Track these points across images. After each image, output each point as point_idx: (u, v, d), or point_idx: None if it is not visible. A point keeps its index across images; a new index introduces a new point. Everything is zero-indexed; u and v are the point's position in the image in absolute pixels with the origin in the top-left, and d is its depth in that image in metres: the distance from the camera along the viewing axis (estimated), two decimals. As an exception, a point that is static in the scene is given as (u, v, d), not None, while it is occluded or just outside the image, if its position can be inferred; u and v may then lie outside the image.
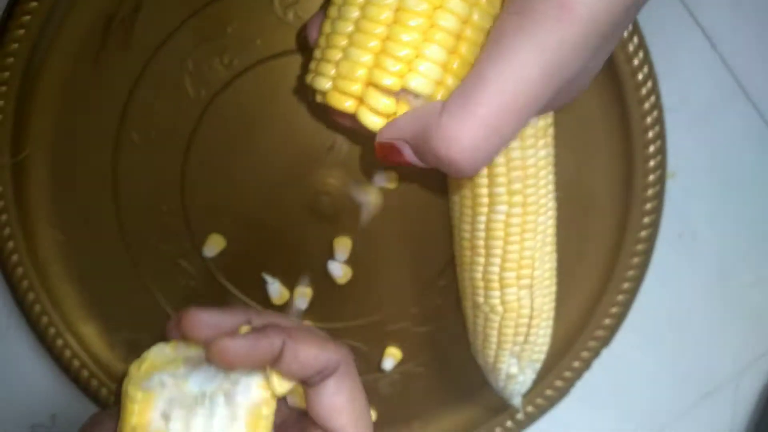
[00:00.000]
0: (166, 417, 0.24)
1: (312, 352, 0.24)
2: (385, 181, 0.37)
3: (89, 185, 0.37)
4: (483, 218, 0.32)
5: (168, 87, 0.35)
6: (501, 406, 0.40)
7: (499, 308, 0.34)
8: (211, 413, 0.24)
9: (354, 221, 0.38)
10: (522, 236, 0.32)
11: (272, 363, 0.24)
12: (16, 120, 0.36)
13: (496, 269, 0.33)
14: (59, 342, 0.39)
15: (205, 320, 0.24)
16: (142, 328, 0.39)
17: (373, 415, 0.40)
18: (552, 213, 0.34)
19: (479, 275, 0.34)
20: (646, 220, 0.37)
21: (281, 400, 0.26)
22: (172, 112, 0.35)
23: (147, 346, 0.40)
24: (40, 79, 0.35)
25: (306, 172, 0.37)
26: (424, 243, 0.38)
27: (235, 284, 0.39)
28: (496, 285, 0.33)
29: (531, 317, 0.34)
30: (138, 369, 0.25)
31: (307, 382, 0.25)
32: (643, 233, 0.37)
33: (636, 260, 0.38)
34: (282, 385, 0.25)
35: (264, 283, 0.38)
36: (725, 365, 0.42)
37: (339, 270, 0.38)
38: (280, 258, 0.38)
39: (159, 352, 0.26)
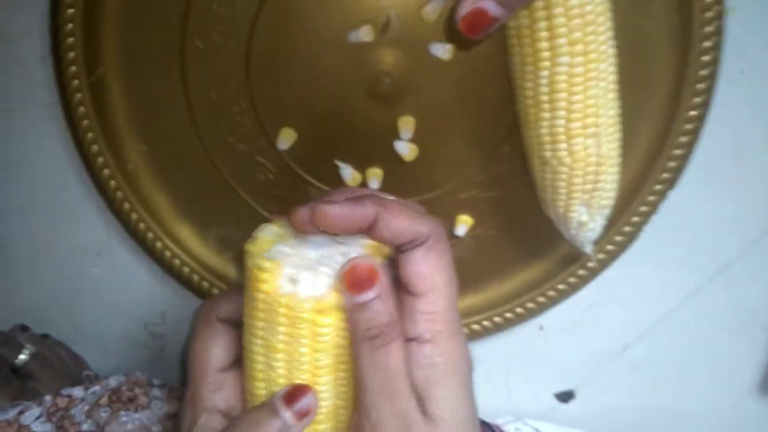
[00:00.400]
0: (293, 280, 0.27)
1: (404, 222, 0.27)
2: (441, 52, 0.38)
3: (163, 95, 0.39)
4: (545, 72, 0.33)
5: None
6: (572, 256, 0.42)
7: (567, 159, 0.35)
8: (331, 272, 0.27)
9: (415, 98, 0.39)
10: (585, 85, 0.33)
11: (367, 229, 0.27)
12: (87, 40, 0.37)
13: (561, 122, 0.34)
14: (159, 245, 0.42)
15: (336, 213, 0.26)
16: (230, 222, 0.42)
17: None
18: (613, 60, 0.34)
19: (545, 130, 0.35)
20: (706, 57, 0.37)
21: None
22: (229, 12, 0.36)
23: (237, 238, 0.43)
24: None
25: (363, 55, 0.38)
26: (486, 111, 0.39)
27: (310, 173, 0.41)
28: (562, 137, 0.34)
29: (598, 165, 0.35)
30: (254, 245, 0.28)
31: (400, 249, 0.27)
32: (704, 71, 0.37)
33: (698, 100, 0.38)
34: (383, 249, 0.28)
35: (337, 168, 0.40)
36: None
37: (405, 148, 0.40)
38: (349, 143, 0.40)
39: (268, 231, 0.29)
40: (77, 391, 0.40)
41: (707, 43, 0.37)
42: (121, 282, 0.45)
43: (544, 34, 0.32)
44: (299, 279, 0.27)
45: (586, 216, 0.37)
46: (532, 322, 0.45)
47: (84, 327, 0.46)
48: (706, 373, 0.45)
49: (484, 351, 0.45)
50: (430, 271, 0.27)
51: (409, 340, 0.27)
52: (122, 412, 0.37)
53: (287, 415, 0.27)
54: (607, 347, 0.46)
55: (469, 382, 0.28)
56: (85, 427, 0.38)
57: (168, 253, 0.42)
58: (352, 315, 0.26)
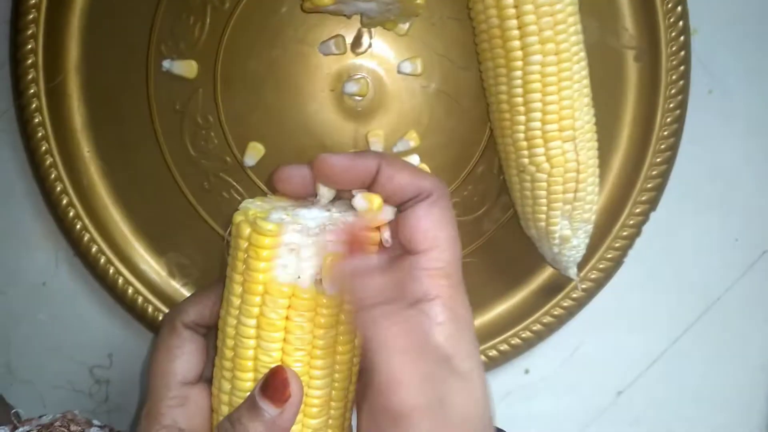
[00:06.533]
0: (294, 249, 0.24)
1: (406, 176, 0.25)
2: (410, 69, 0.38)
3: (123, 107, 0.38)
4: (519, 73, 0.33)
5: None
6: (557, 286, 0.40)
7: (546, 165, 0.34)
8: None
9: (385, 115, 0.38)
10: (559, 85, 0.33)
11: (369, 183, 0.25)
12: (48, 46, 0.36)
13: (537, 124, 0.33)
14: (111, 270, 0.39)
15: (337, 162, 0.25)
16: (189, 247, 0.39)
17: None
18: (584, 64, 0.34)
19: (521, 135, 0.34)
20: (675, 76, 0.37)
21: None
22: (198, 25, 0.36)
23: (195, 265, 0.40)
24: (66, 5, 0.37)
25: (334, 69, 0.37)
26: (459, 130, 0.38)
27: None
28: (539, 141, 0.33)
29: (578, 171, 0.34)
30: (246, 215, 0.25)
31: (401, 208, 0.25)
32: (674, 90, 0.37)
33: (670, 118, 0.38)
34: (382, 208, 0.25)
35: (306, 187, 0.38)
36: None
37: (378, 168, 0.39)
38: (319, 159, 0.38)
39: (252, 205, 0.26)
40: (2, 431, 0.35)
41: (674, 61, 0.37)
42: (68, 317, 0.41)
43: (515, 32, 0.32)
44: (300, 249, 0.24)
45: (568, 230, 0.35)
46: (517, 364, 0.42)
47: (19, 370, 0.42)
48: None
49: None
50: (433, 226, 0.25)
51: (414, 303, 0.24)
52: (50, 446, 0.32)
53: (267, 405, 0.23)
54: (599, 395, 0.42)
55: (477, 344, 0.25)
56: (4, 466, 0.32)
57: (121, 280, 0.39)
58: (357, 280, 0.24)
